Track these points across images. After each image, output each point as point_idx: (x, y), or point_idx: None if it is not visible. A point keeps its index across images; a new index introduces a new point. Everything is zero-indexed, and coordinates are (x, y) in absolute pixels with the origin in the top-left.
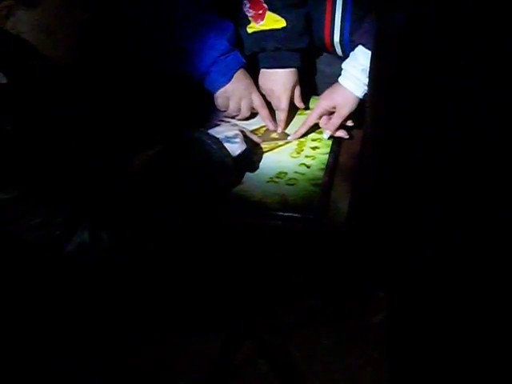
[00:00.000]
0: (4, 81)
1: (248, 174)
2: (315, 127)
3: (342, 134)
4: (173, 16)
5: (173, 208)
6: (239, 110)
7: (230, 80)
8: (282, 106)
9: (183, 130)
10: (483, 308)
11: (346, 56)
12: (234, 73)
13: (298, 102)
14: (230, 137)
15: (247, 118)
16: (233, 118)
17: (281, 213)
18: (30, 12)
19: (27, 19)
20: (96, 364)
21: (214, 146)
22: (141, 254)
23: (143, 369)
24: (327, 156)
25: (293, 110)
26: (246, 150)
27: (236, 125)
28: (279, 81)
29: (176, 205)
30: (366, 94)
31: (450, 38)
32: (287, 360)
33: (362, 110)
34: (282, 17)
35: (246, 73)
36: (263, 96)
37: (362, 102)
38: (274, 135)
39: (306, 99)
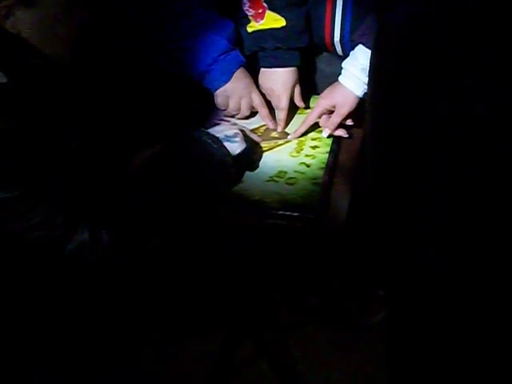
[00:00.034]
0: (4, 80)
1: (248, 173)
2: (315, 126)
3: (341, 133)
4: (173, 15)
5: (173, 208)
6: (239, 109)
7: (229, 79)
8: (281, 105)
9: (183, 129)
10: (483, 308)
11: (346, 55)
12: (234, 72)
13: (298, 101)
14: (229, 136)
15: (247, 117)
16: (232, 117)
17: (281, 212)
18: (30, 11)
19: (27, 19)
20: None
21: (214, 145)
22: (141, 254)
23: (143, 369)
24: (327, 155)
25: (293, 109)
26: (245, 149)
27: (236, 124)
28: (279, 80)
29: (176, 205)
30: (365, 93)
31: (451, 37)
32: (287, 360)
33: (361, 109)
34: (282, 16)
35: (246, 72)
36: (263, 95)
37: (361, 101)
38: (274, 134)
39: (305, 98)
